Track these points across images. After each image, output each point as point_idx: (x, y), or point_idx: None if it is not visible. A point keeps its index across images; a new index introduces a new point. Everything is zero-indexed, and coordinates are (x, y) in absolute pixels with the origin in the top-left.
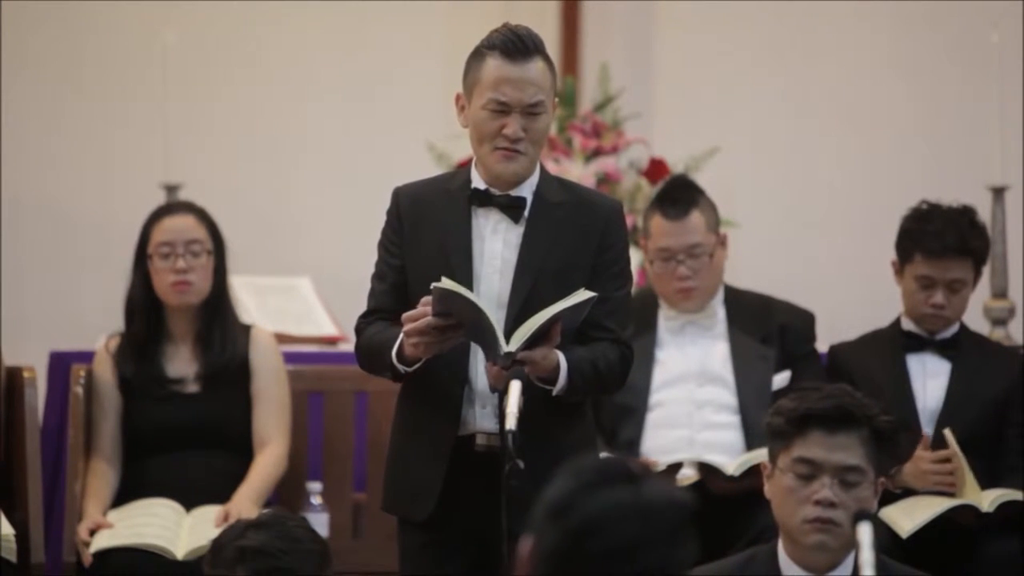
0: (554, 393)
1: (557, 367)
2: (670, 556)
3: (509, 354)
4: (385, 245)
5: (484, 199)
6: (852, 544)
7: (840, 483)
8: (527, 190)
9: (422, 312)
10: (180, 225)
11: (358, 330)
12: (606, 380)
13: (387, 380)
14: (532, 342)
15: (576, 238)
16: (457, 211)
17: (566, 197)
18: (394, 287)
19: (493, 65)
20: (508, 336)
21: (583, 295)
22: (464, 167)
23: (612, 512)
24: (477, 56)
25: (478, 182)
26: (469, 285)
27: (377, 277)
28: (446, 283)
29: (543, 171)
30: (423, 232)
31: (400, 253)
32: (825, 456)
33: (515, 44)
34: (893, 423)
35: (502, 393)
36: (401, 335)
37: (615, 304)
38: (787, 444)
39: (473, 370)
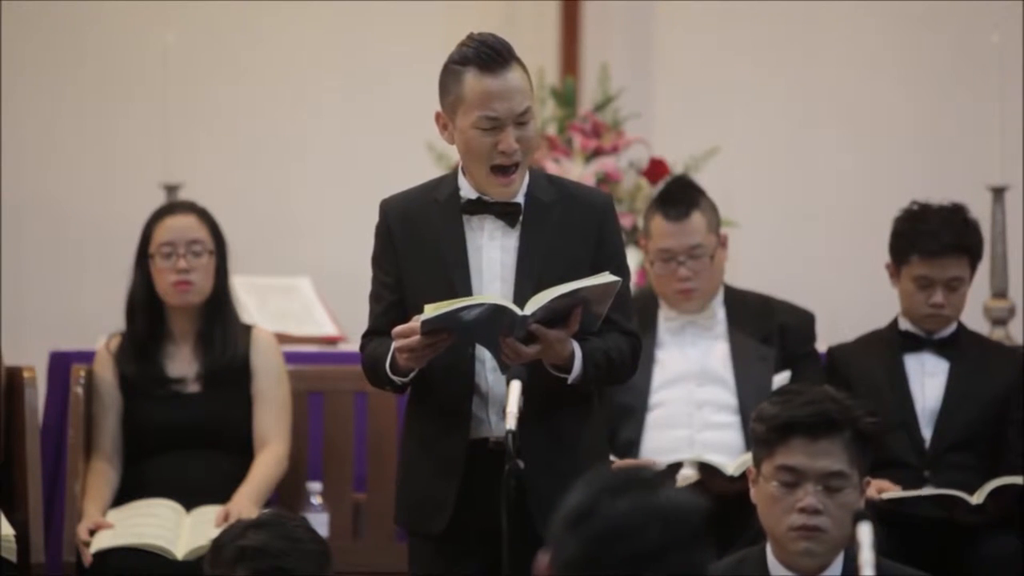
0: (569, 382)
1: (572, 355)
2: (692, 560)
3: (524, 318)
4: (378, 262)
5: (477, 207)
6: (841, 546)
7: (824, 489)
8: (519, 194)
9: (411, 329)
10: (182, 225)
11: (360, 349)
12: (619, 370)
13: None
14: (548, 324)
15: (573, 237)
16: (450, 222)
17: (557, 195)
18: (391, 307)
19: (474, 81)
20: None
21: (606, 277)
22: (450, 173)
23: (636, 517)
24: (452, 74)
25: (468, 191)
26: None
27: (373, 298)
28: (428, 311)
29: (531, 170)
30: (417, 247)
31: (394, 270)
32: (808, 463)
33: (490, 56)
34: (876, 424)
35: (511, 370)
36: (392, 348)
37: (620, 297)
38: (770, 451)
39: (481, 377)
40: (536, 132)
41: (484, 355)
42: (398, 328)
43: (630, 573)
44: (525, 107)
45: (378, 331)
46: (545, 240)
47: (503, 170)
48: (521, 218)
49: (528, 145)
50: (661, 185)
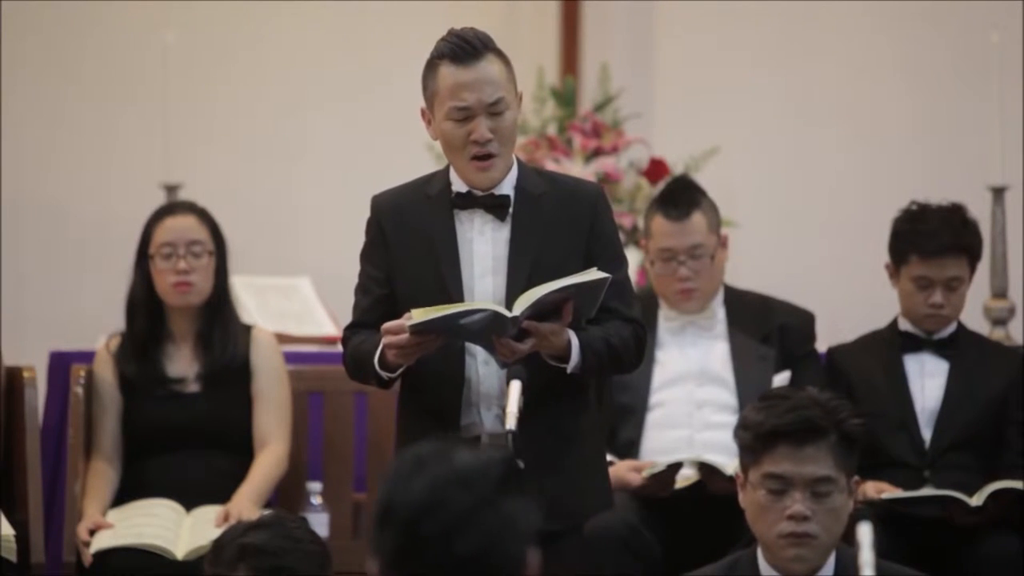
0: (568, 371)
1: (569, 345)
2: (506, 511)
3: (515, 319)
4: (368, 256)
5: (467, 201)
6: (832, 548)
7: (812, 495)
8: (508, 186)
9: (400, 326)
10: (182, 225)
11: (344, 341)
12: (621, 356)
13: None
14: (541, 317)
15: (565, 228)
16: (441, 217)
17: (547, 187)
18: (378, 301)
19: (446, 73)
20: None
21: (595, 274)
22: (441, 169)
23: (434, 492)
24: (430, 68)
25: (459, 185)
26: (460, 291)
27: (360, 290)
28: (416, 316)
29: (520, 164)
30: (408, 241)
31: (384, 264)
32: (795, 470)
33: (462, 48)
34: (862, 425)
35: (511, 370)
36: (381, 344)
37: (619, 286)
38: (756, 459)
39: (472, 371)
40: (513, 122)
41: (474, 349)
42: (387, 324)
43: (447, 546)
44: (497, 97)
45: (364, 324)
46: (536, 232)
47: (480, 156)
48: (511, 211)
49: (504, 135)
50: (661, 185)
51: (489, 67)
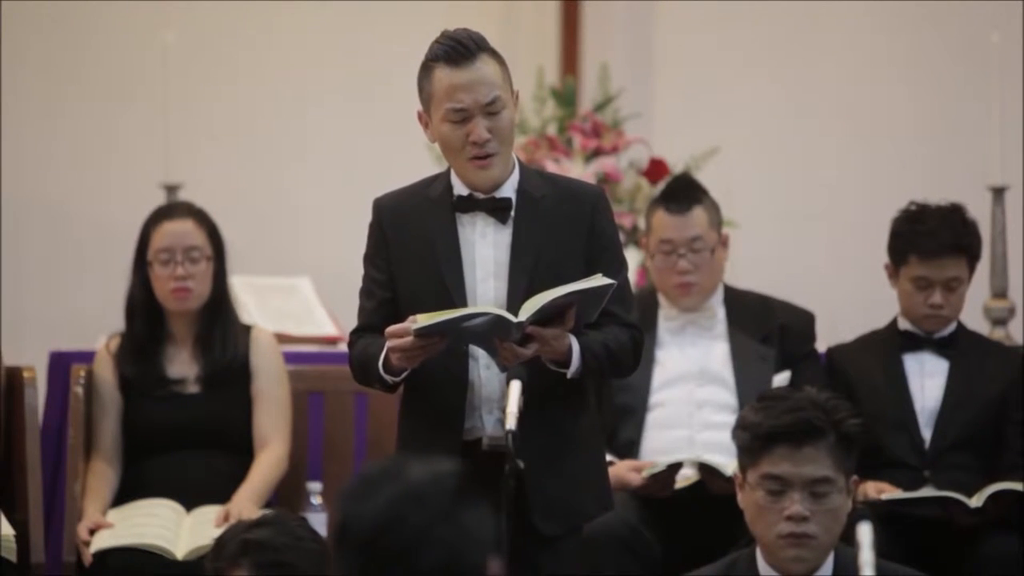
0: (568, 376)
1: (570, 350)
2: (461, 524)
3: (520, 324)
4: (371, 260)
5: (469, 204)
6: (831, 548)
7: (811, 495)
8: (510, 189)
9: (405, 329)
10: (179, 230)
11: (350, 345)
12: (620, 361)
13: None
14: (544, 322)
15: (565, 230)
16: (442, 220)
17: (549, 189)
18: (382, 304)
19: (441, 76)
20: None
21: (599, 280)
22: (444, 172)
23: (389, 509)
24: (425, 70)
25: (460, 188)
26: (463, 295)
27: (365, 294)
28: (421, 320)
29: (521, 165)
30: (409, 244)
31: (387, 267)
32: (793, 471)
33: (456, 49)
34: (860, 425)
35: (511, 370)
36: (386, 348)
37: (618, 290)
38: (754, 460)
39: (474, 375)
40: (511, 121)
41: (476, 352)
42: (392, 328)
43: (409, 562)
44: (492, 97)
45: (369, 328)
46: (538, 234)
47: (479, 156)
48: (513, 213)
49: (503, 135)
50: (661, 185)
51: (484, 67)
